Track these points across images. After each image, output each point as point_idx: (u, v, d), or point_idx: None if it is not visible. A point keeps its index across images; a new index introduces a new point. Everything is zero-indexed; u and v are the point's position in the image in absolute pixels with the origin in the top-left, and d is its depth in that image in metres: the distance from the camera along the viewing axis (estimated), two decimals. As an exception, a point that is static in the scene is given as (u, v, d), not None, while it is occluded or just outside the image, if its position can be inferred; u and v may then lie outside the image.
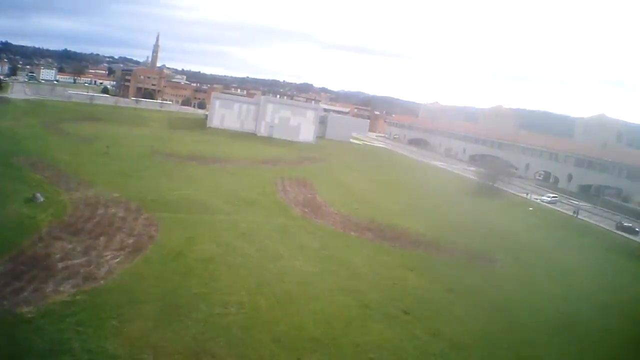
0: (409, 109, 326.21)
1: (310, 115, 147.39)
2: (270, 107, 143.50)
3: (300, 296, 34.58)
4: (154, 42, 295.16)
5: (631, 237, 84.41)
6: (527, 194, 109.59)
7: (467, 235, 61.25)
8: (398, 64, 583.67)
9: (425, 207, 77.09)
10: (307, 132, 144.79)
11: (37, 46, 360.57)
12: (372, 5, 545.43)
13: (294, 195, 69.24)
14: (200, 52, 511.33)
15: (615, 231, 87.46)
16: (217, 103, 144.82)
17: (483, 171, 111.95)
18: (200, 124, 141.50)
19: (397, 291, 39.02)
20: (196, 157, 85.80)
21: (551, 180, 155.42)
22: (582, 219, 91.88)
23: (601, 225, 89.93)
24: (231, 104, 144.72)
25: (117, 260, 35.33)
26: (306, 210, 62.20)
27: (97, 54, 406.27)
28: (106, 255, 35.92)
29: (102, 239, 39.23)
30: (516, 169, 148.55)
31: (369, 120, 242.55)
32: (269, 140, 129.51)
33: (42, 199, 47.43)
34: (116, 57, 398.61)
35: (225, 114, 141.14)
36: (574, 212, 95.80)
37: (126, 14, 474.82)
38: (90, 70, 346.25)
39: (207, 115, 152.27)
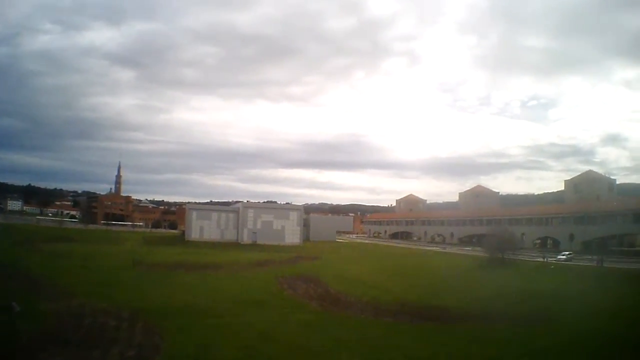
0: (377, 211, 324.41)
1: (294, 216, 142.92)
2: (251, 213, 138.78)
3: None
4: (115, 174, 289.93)
5: None
6: (544, 257, 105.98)
7: (507, 302, 53.99)
8: (357, 173, 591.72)
9: (446, 285, 69.45)
10: (292, 234, 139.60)
11: (1, 181, 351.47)
12: (328, 121, 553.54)
13: (303, 291, 60.23)
14: (162, 182, 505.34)
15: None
16: (194, 214, 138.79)
17: (490, 244, 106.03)
18: (178, 239, 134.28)
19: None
20: (183, 265, 77.75)
21: (549, 244, 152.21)
22: (608, 266, 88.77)
23: (629, 267, 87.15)
24: (209, 214, 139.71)
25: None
26: (324, 303, 53.13)
27: (61, 189, 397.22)
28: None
29: (96, 351, 29.96)
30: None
31: (352, 217, 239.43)
32: (254, 246, 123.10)
33: (18, 309, 38.08)
34: (79, 191, 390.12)
35: (204, 225, 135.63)
36: (597, 262, 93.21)
37: (87, 149, 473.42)
38: (57, 202, 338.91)
39: (183, 231, 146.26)
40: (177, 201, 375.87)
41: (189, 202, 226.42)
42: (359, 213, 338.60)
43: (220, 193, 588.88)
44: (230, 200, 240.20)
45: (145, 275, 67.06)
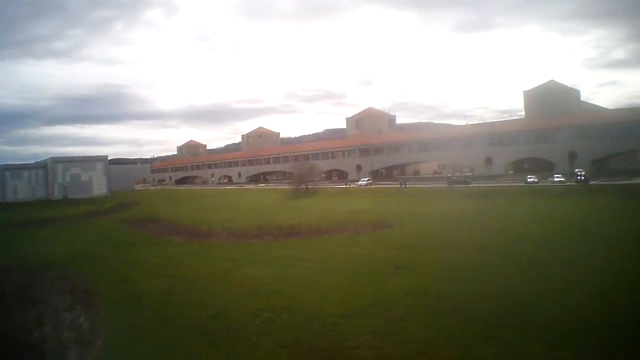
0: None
1: (100, 167, 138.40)
2: (60, 167, 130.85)
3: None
4: None
5: (465, 186, 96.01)
6: (347, 184, 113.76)
7: (340, 218, 56.92)
8: (121, 126, 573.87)
9: (276, 211, 73.64)
10: (100, 185, 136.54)
11: None
12: (91, 74, 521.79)
13: (157, 230, 59.40)
14: None
15: (452, 186, 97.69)
16: (7, 174, 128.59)
17: (295, 177, 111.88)
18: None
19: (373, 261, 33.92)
20: (28, 222, 74.38)
21: (334, 177, 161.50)
22: (410, 187, 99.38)
23: (423, 186, 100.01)
24: (20, 173, 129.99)
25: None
26: (187, 236, 52.77)
27: None
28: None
29: (38, 305, 27.61)
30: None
31: (149, 165, 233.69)
32: (67, 201, 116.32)
33: None
34: None
35: (17, 185, 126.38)
36: (401, 183, 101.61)
37: None
38: None
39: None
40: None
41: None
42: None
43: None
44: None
45: (9, 233, 63.66)
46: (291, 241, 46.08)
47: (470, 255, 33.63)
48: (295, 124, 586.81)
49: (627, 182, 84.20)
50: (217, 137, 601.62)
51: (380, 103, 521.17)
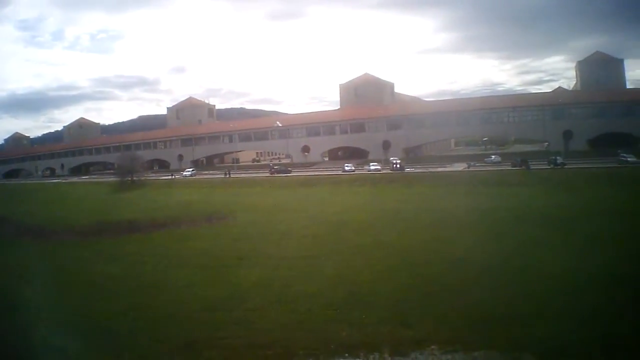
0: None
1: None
2: None
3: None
4: None
5: (287, 175, 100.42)
6: (172, 175, 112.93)
7: (174, 211, 57.34)
8: None
9: (109, 205, 72.94)
10: None
11: None
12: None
13: (4, 231, 55.01)
14: None
15: (274, 175, 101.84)
16: None
17: (120, 168, 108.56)
18: None
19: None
20: None
21: (155, 167, 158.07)
22: (234, 176, 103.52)
23: (258, 175, 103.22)
24: None
25: None
26: (34, 235, 50.16)
27: None
28: None
29: None
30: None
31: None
32: None
33: None
34: None
35: None
36: (225, 173, 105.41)
37: None
38: None
39: None
40: None
41: None
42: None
43: None
44: None
45: None
46: (133, 237, 46.14)
47: (303, 243, 36.66)
48: (111, 111, 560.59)
49: (440, 169, 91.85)
50: (35, 127, 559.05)
51: (194, 89, 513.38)
